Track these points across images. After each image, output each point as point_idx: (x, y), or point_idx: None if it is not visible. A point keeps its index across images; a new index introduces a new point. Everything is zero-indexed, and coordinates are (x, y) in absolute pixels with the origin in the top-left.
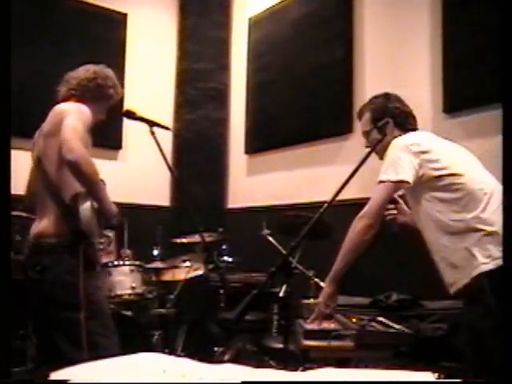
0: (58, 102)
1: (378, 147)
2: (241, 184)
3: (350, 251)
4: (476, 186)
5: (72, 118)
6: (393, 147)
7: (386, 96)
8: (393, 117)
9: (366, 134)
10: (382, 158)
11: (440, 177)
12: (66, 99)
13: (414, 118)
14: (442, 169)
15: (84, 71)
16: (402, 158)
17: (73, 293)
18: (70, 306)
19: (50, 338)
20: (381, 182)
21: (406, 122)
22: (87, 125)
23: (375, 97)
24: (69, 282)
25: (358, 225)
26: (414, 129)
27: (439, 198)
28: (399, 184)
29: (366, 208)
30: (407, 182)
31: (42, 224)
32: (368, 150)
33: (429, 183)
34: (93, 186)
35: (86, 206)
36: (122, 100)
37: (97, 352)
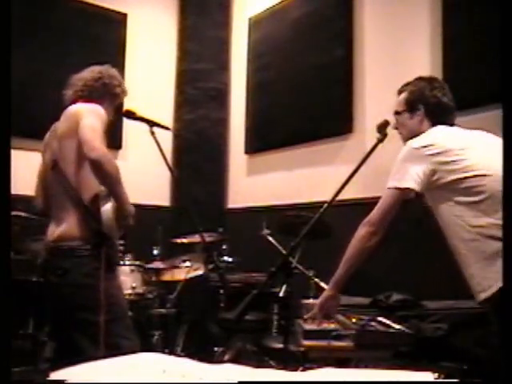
0: (66, 106)
1: (405, 132)
2: (241, 184)
3: (353, 257)
4: (500, 187)
5: (89, 118)
6: (403, 151)
7: (430, 81)
8: (426, 105)
9: (398, 114)
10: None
11: (459, 180)
12: (73, 101)
13: (451, 112)
14: (462, 170)
15: (89, 72)
16: (409, 164)
17: (94, 295)
18: (90, 309)
19: (70, 340)
20: (388, 188)
21: (438, 114)
22: (104, 124)
23: (420, 78)
24: (90, 285)
25: (361, 231)
26: (448, 124)
27: (458, 202)
28: (405, 191)
29: (370, 214)
30: (413, 190)
31: (62, 227)
32: (395, 130)
33: (446, 186)
34: (115, 185)
35: (107, 207)
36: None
37: (120, 354)
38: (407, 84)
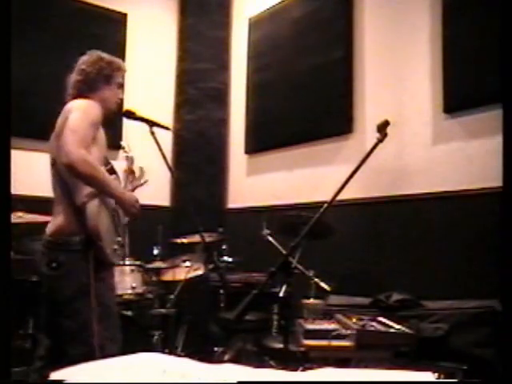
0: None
1: None
2: (241, 184)
3: None
4: None
5: (74, 116)
6: None
7: None
8: None
9: None
10: None
11: None
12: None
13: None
14: None
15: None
16: None
17: (84, 292)
18: (81, 305)
19: (59, 335)
20: None
21: None
22: (92, 121)
23: None
24: (82, 282)
25: None
26: None
27: None
28: None
29: None
30: None
31: (57, 221)
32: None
33: None
34: (97, 184)
35: (91, 207)
36: (121, 100)
37: (102, 355)
38: None
